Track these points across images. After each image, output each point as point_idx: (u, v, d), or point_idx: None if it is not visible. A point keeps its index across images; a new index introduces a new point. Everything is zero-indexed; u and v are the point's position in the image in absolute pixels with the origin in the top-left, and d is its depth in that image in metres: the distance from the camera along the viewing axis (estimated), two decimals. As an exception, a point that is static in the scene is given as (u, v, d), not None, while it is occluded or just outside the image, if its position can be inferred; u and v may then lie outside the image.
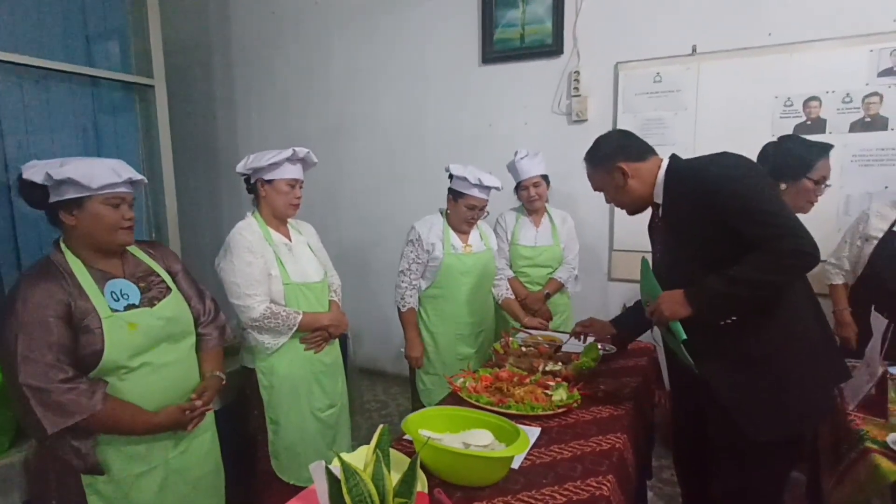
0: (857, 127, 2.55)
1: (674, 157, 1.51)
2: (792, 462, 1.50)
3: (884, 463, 1.32)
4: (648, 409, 1.93)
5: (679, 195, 1.44)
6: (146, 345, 1.40)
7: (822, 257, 2.16)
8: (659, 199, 1.51)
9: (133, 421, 1.36)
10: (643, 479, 2.02)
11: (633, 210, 1.60)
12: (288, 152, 1.81)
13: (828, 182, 1.86)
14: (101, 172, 1.34)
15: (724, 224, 1.30)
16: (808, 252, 1.23)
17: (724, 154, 1.39)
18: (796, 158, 1.83)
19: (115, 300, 1.38)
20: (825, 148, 1.84)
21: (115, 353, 1.33)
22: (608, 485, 1.21)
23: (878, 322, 1.65)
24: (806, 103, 2.64)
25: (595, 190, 1.64)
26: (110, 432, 1.35)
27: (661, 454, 2.65)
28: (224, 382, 1.61)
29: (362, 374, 3.91)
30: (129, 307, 1.39)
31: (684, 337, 1.38)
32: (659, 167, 1.51)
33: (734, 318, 1.35)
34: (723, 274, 1.29)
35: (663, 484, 2.52)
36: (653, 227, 1.66)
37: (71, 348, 1.29)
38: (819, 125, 2.62)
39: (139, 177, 1.44)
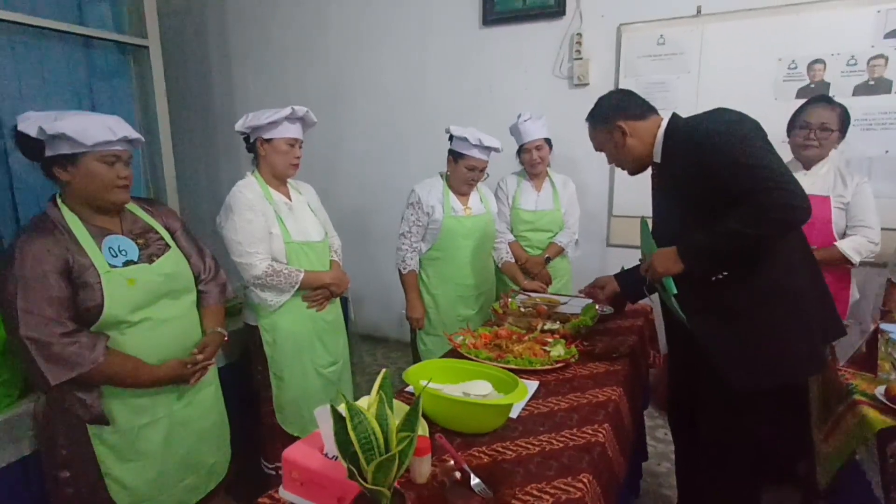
0: (861, 90, 2.53)
1: (674, 116, 1.49)
2: (777, 414, 1.54)
3: (871, 413, 1.36)
4: (644, 367, 1.97)
5: (674, 155, 1.44)
6: (146, 300, 1.41)
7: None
8: (658, 159, 1.51)
9: (135, 374, 1.38)
10: (641, 435, 2.08)
11: (634, 170, 1.60)
12: (287, 111, 1.79)
13: (827, 127, 1.98)
14: (96, 129, 1.31)
15: (714, 179, 1.29)
16: (795, 206, 1.21)
17: (719, 110, 1.38)
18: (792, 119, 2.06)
19: (112, 256, 1.38)
20: (809, 100, 2.06)
21: (115, 307, 1.34)
22: (604, 432, 1.25)
23: (870, 280, 1.67)
24: (810, 66, 2.62)
25: (596, 150, 1.64)
26: (113, 385, 1.37)
27: (654, 414, 2.72)
28: (226, 339, 1.63)
29: (363, 340, 3.97)
30: (127, 263, 1.40)
31: (675, 291, 1.41)
32: (659, 126, 1.50)
33: (725, 272, 1.36)
34: (710, 228, 1.30)
35: (657, 442, 2.58)
36: (652, 187, 1.65)
37: (70, 303, 1.30)
38: (822, 89, 2.59)
39: (136, 135, 1.41)
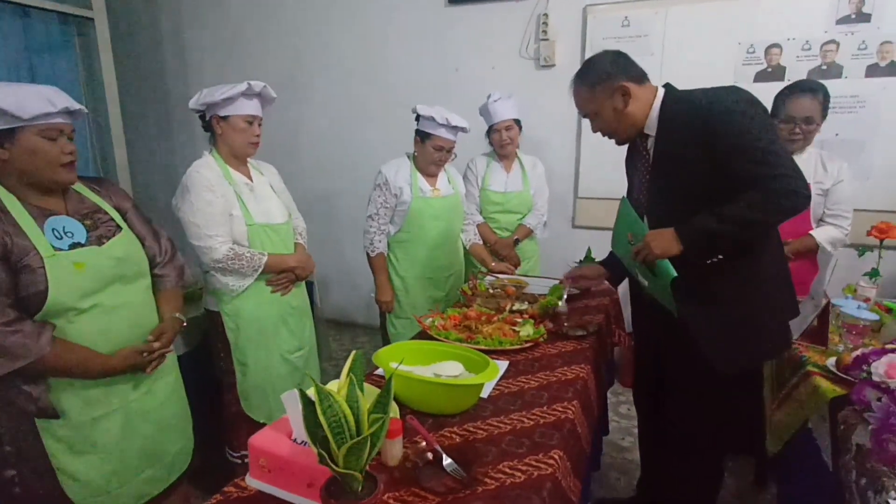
0: (814, 74, 2.61)
1: (671, 87, 1.43)
2: (744, 394, 1.58)
3: (823, 383, 1.42)
4: (609, 345, 2.01)
5: (676, 128, 1.37)
6: (96, 286, 1.32)
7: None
8: (651, 131, 1.43)
9: (85, 364, 1.30)
10: (604, 411, 2.12)
11: (625, 139, 1.51)
12: (243, 86, 1.71)
13: (812, 120, 1.96)
14: (33, 101, 1.21)
15: (719, 160, 1.26)
16: (801, 193, 1.22)
17: (731, 88, 1.33)
18: (775, 108, 1.98)
19: (57, 238, 1.28)
20: (791, 88, 1.99)
21: (62, 294, 1.25)
22: (573, 409, 1.26)
23: (826, 257, 1.74)
24: (767, 50, 2.68)
25: (585, 115, 1.52)
26: (62, 376, 1.29)
27: (618, 391, 2.79)
28: (184, 324, 1.56)
29: (330, 325, 3.91)
30: (74, 246, 1.31)
31: (675, 275, 1.33)
32: (655, 95, 1.42)
33: (721, 257, 1.35)
34: (714, 212, 1.26)
35: (620, 417, 2.66)
36: (634, 161, 1.57)
37: (10, 290, 1.21)
38: (779, 72, 2.67)
39: (77, 106, 1.31)
